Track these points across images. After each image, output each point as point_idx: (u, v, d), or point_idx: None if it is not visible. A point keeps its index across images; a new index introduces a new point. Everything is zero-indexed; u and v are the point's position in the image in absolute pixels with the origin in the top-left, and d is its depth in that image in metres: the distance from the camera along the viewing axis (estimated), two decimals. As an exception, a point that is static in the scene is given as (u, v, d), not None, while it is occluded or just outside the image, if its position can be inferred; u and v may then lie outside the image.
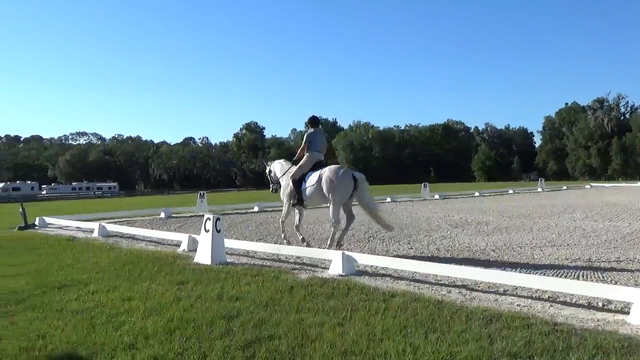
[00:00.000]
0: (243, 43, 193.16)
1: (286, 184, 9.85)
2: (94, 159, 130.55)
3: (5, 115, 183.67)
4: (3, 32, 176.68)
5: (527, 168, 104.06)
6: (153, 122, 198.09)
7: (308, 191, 9.26)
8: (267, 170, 10.97)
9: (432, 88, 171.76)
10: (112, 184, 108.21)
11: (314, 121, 10.10)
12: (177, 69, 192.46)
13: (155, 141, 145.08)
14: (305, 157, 9.61)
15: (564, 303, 5.45)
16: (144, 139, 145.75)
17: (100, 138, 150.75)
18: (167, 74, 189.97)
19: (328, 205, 9.21)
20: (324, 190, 8.97)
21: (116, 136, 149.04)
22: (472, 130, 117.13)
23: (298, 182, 9.43)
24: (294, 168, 9.70)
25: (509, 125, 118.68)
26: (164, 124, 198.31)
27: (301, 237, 9.88)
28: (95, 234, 12.22)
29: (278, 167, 10.48)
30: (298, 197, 9.45)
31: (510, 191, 32.63)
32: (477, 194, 29.91)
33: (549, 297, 5.70)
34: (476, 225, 12.94)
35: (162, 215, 17.68)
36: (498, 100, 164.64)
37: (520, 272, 6.86)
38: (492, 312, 4.96)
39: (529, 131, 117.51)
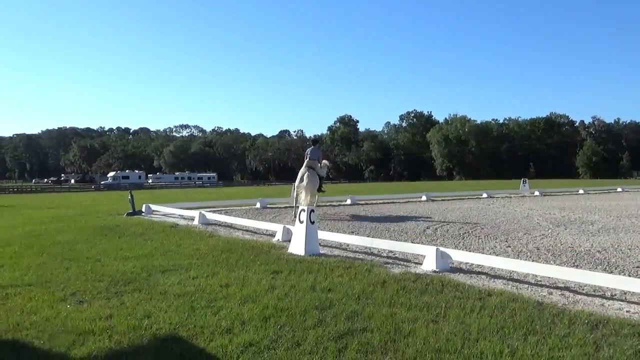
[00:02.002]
0: (338, 37, 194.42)
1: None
2: (195, 150, 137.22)
3: (117, 108, 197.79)
4: (121, 35, 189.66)
5: (638, 165, 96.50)
6: (250, 115, 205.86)
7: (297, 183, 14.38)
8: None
9: (535, 80, 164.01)
10: (211, 174, 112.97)
11: (314, 141, 16.27)
12: (274, 63, 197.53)
13: (252, 134, 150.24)
14: (304, 165, 14.61)
15: (682, 312, 5.00)
16: (242, 132, 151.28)
17: (201, 130, 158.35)
18: (264, 68, 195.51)
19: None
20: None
21: (216, 129, 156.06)
22: (577, 124, 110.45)
23: (300, 179, 14.28)
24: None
25: (618, 119, 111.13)
26: (261, 117, 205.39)
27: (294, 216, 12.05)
28: (196, 222, 12.80)
29: None
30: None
31: (619, 189, 30.37)
32: (581, 191, 28.13)
33: (663, 304, 5.25)
34: (580, 225, 12.18)
35: (258, 205, 18.18)
36: (608, 92, 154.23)
37: (629, 275, 6.40)
38: (597, 317, 4.65)
39: None
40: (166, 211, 15.63)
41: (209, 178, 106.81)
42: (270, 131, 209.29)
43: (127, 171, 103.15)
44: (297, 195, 14.36)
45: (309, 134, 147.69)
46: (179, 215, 14.81)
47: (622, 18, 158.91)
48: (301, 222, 8.39)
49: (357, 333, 4.31)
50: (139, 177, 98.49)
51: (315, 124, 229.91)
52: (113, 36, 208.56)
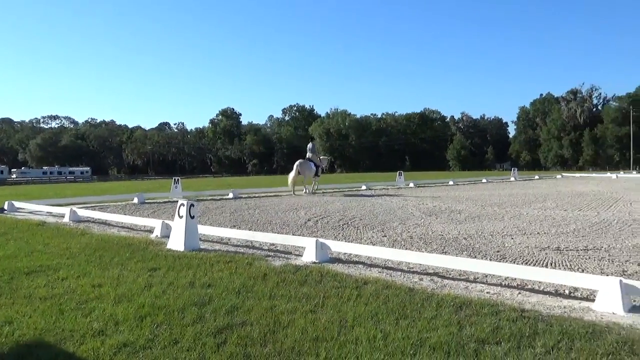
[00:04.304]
0: (220, 29, 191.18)
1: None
2: (66, 143, 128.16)
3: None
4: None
5: (501, 158, 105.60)
6: (127, 107, 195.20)
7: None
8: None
9: (411, 76, 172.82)
10: (84, 168, 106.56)
11: (311, 139, 25.47)
12: (152, 52, 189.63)
13: (130, 126, 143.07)
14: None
15: (532, 290, 5.56)
16: (118, 124, 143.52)
17: (73, 122, 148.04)
18: (142, 57, 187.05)
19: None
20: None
21: (89, 120, 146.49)
22: (448, 119, 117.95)
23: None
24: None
25: (484, 115, 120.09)
26: (139, 108, 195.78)
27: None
28: (67, 219, 12.03)
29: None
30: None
31: (484, 180, 33.14)
32: (451, 182, 30.24)
33: (517, 284, 5.81)
34: (449, 214, 13.08)
35: (136, 200, 17.47)
36: (475, 90, 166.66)
37: (490, 260, 7.00)
38: (462, 299, 5.03)
39: (503, 121, 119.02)
40: (33, 208, 14.51)
41: (81, 172, 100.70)
42: (149, 123, 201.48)
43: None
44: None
45: (190, 126, 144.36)
46: (48, 212, 13.82)
47: (483, 20, 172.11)
48: (180, 217, 8.19)
49: (236, 327, 4.31)
50: (1, 172, 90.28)
51: (196, 116, 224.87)
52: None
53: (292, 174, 20.89)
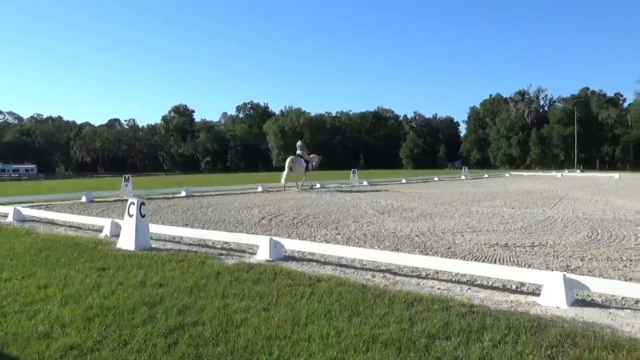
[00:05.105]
0: (173, 24, 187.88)
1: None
2: (10, 140, 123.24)
3: None
4: None
5: (452, 157, 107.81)
6: (76, 102, 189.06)
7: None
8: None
9: (365, 75, 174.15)
10: (29, 166, 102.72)
11: (300, 137, 26.53)
12: (102, 46, 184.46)
13: (78, 122, 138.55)
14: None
15: (481, 286, 5.72)
16: (66, 120, 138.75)
17: (17, 117, 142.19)
18: (91, 52, 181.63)
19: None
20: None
21: (35, 116, 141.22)
22: (401, 118, 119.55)
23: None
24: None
25: (436, 114, 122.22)
26: (88, 104, 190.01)
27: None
28: (10, 219, 11.56)
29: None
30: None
31: (436, 178, 33.79)
32: (404, 180, 30.68)
33: (467, 280, 5.96)
34: (402, 212, 13.27)
35: (84, 199, 16.96)
36: (427, 89, 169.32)
37: (441, 256, 7.14)
38: (413, 296, 5.12)
39: (455, 121, 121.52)
40: (-28, 207, 13.86)
41: (27, 170, 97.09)
42: (99, 119, 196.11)
43: None
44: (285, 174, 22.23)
45: (142, 123, 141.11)
46: (-11, 211, 13.24)
47: (434, 20, 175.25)
48: (131, 215, 8.01)
49: (188, 327, 4.25)
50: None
51: (148, 112, 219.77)
52: None
53: (285, 171, 22.47)
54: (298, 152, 23.39)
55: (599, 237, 8.91)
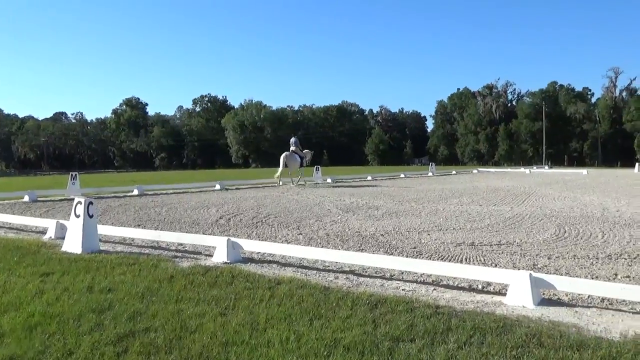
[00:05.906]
0: (124, 13, 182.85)
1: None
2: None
3: None
4: None
5: (419, 152, 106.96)
6: (17, 94, 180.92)
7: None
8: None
9: (328, 68, 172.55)
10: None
11: (294, 135, 25.93)
12: (47, 36, 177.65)
13: (20, 115, 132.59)
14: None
15: (447, 286, 5.66)
16: (6, 113, 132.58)
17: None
18: (34, 42, 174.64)
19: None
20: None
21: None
22: (366, 112, 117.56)
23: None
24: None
25: (402, 109, 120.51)
26: (31, 96, 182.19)
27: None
28: (-55, 220, 10.89)
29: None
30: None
31: (402, 175, 33.83)
32: (369, 177, 30.62)
33: (433, 280, 5.89)
34: (367, 210, 13.19)
35: (26, 198, 16.23)
36: (393, 83, 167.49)
37: (406, 256, 7.08)
38: (377, 297, 5.01)
39: (422, 115, 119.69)
40: None
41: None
42: (43, 113, 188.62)
43: None
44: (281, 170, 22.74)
45: (90, 117, 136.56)
46: None
47: (400, 13, 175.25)
48: (77, 216, 7.62)
49: (139, 334, 4.01)
50: None
51: (97, 105, 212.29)
52: None
53: (280, 167, 23.06)
54: (292, 148, 23.75)
55: (566, 235, 8.98)
